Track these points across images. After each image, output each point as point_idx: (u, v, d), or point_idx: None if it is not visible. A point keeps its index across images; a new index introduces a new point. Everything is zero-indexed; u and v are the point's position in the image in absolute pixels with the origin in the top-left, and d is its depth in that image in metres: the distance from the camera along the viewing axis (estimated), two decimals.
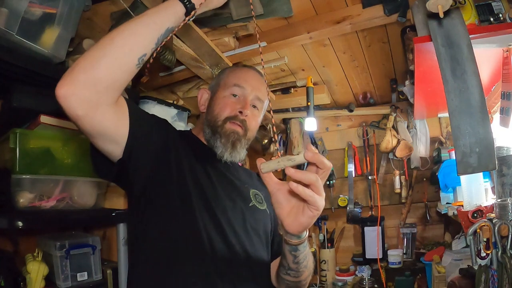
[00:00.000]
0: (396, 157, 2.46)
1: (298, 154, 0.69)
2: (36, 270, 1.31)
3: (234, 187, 1.08)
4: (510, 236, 1.05)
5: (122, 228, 1.60)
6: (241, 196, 1.07)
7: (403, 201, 2.50)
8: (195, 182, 0.98)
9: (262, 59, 0.98)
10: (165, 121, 1.07)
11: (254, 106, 1.14)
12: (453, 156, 1.47)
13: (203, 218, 0.93)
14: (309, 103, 2.20)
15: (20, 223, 1.18)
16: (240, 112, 1.08)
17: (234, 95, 1.11)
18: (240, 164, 1.25)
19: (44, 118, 1.25)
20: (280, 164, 0.70)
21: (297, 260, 0.89)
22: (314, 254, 2.59)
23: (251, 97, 1.12)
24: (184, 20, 0.91)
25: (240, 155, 1.08)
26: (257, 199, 1.11)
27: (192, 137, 1.15)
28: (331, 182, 2.67)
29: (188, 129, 1.24)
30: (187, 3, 0.89)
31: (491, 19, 1.20)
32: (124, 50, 0.79)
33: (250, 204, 1.08)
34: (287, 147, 2.89)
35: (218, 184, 1.03)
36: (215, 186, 1.02)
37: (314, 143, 2.77)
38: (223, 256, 0.92)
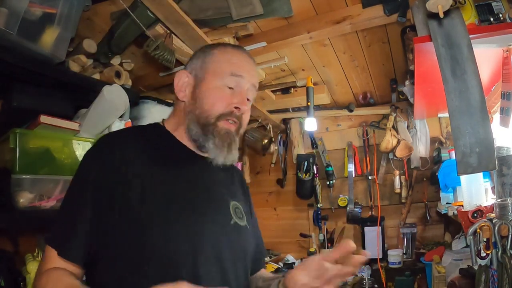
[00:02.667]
0: (396, 157, 2.46)
1: None
2: (36, 270, 1.31)
3: (211, 200, 0.91)
4: (510, 236, 1.05)
5: None
6: (220, 212, 0.91)
7: (403, 201, 2.50)
8: (160, 202, 0.81)
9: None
10: (95, 155, 0.87)
11: (247, 98, 0.97)
12: (453, 156, 1.48)
13: (173, 247, 0.79)
14: (309, 103, 2.20)
15: (20, 223, 1.18)
16: (237, 108, 0.92)
17: (230, 87, 0.93)
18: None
19: (44, 118, 1.25)
20: None
21: None
22: (314, 254, 2.60)
23: (247, 86, 0.95)
24: None
25: (234, 157, 0.94)
26: (237, 214, 0.94)
27: (160, 136, 0.95)
28: (331, 182, 2.67)
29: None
30: None
31: (491, 19, 1.20)
32: None
33: (232, 222, 0.91)
34: (287, 147, 2.89)
35: (191, 198, 0.87)
36: (188, 201, 0.85)
37: (314, 143, 2.77)
38: None
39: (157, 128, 0.98)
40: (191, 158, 0.93)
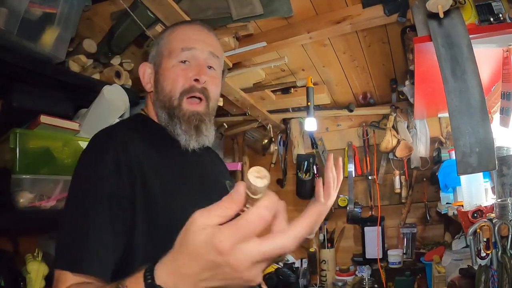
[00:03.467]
0: (396, 157, 2.46)
1: None
2: (36, 270, 1.31)
3: (210, 183, 0.91)
4: (510, 236, 1.05)
5: None
6: (221, 193, 0.91)
7: (403, 201, 2.50)
8: (168, 197, 0.79)
9: None
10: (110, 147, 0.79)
11: (210, 67, 0.93)
12: (453, 156, 1.48)
13: None
14: (309, 103, 2.20)
15: (20, 223, 1.18)
16: (196, 80, 0.89)
17: (184, 62, 0.90)
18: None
19: (44, 118, 1.25)
20: None
21: None
22: (314, 254, 2.60)
23: (204, 56, 0.92)
24: None
25: (208, 137, 0.91)
26: None
27: (146, 124, 0.94)
28: None
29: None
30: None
31: (491, 19, 1.20)
32: None
33: None
34: (287, 147, 2.89)
35: (194, 186, 0.86)
36: (191, 189, 0.84)
37: (314, 143, 2.77)
38: None
39: (146, 119, 0.96)
40: (178, 142, 0.91)
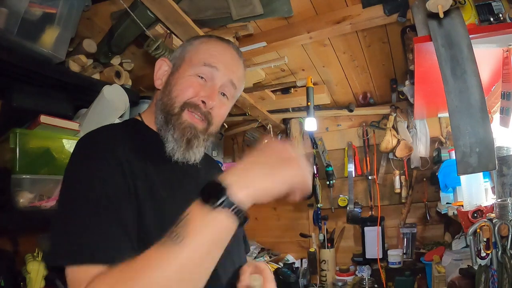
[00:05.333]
0: (396, 157, 2.46)
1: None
2: (36, 270, 1.31)
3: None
4: (510, 236, 1.05)
5: None
6: None
7: (403, 201, 2.50)
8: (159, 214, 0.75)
9: None
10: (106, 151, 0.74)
11: (224, 94, 0.90)
12: (453, 156, 1.47)
13: None
14: (309, 103, 2.20)
15: (20, 223, 1.18)
16: (204, 102, 0.85)
17: (201, 77, 0.86)
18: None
19: (44, 118, 1.25)
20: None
21: None
22: (314, 254, 2.60)
23: (223, 81, 0.88)
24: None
25: (195, 155, 0.86)
26: None
27: (138, 129, 0.89)
28: (331, 182, 2.67)
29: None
30: (239, 213, 0.58)
31: (491, 19, 1.21)
32: None
33: None
34: None
35: (186, 194, 0.79)
36: (185, 198, 0.79)
37: (314, 143, 2.77)
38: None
39: (138, 124, 0.91)
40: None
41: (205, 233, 0.56)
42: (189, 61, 0.88)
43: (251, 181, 0.61)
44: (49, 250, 0.65)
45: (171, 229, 0.57)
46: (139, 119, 0.92)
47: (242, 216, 0.59)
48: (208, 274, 0.59)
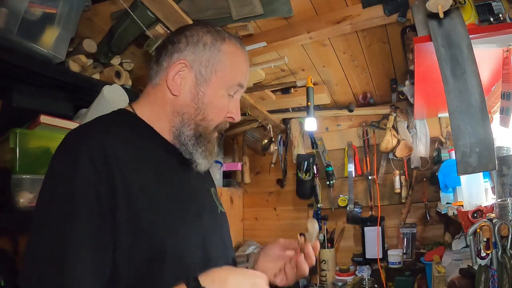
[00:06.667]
0: (396, 157, 2.46)
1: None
2: None
3: (204, 197, 0.90)
4: (510, 236, 1.05)
5: None
6: (212, 206, 0.91)
7: (403, 201, 2.50)
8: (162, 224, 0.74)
9: None
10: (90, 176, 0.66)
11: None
12: (453, 156, 1.47)
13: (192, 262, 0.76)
14: (309, 103, 2.20)
15: (20, 223, 1.18)
16: (231, 118, 0.87)
17: (232, 95, 0.86)
18: None
19: (44, 118, 1.25)
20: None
21: None
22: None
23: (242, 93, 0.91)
24: None
25: (212, 161, 0.89)
26: (218, 201, 0.95)
27: (133, 124, 0.83)
28: (331, 182, 2.67)
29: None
30: None
31: (491, 19, 1.20)
32: None
33: (219, 212, 0.92)
34: (287, 147, 2.89)
35: (184, 204, 0.81)
36: (185, 200, 0.82)
37: (314, 143, 2.77)
38: None
39: (131, 117, 0.84)
40: (172, 151, 0.84)
41: None
42: (222, 77, 0.83)
43: None
44: None
45: None
46: (130, 110, 0.85)
47: None
48: None
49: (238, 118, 0.88)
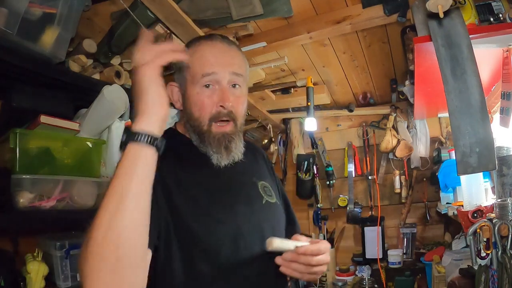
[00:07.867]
0: (396, 157, 2.46)
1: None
2: (36, 270, 1.31)
3: (240, 190, 0.96)
4: (510, 236, 1.05)
5: None
6: (252, 197, 0.97)
7: (403, 201, 2.50)
8: (202, 216, 0.86)
9: None
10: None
11: (234, 85, 0.94)
12: (453, 156, 1.47)
13: (224, 254, 0.85)
14: (309, 103, 2.20)
15: (20, 223, 1.18)
16: (222, 106, 0.91)
17: (207, 86, 0.91)
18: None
19: (44, 118, 1.25)
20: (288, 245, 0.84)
21: None
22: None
23: (227, 78, 0.92)
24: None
25: (238, 154, 0.95)
26: (267, 193, 1.00)
27: (179, 142, 0.98)
28: (331, 182, 2.67)
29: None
30: (154, 142, 0.70)
31: (491, 19, 1.21)
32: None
33: (264, 202, 0.97)
34: (287, 147, 2.89)
35: (223, 196, 0.92)
36: (224, 198, 0.92)
37: (314, 143, 2.77)
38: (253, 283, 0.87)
39: (178, 135, 1.00)
40: (202, 154, 0.95)
41: (122, 165, 0.67)
42: (191, 80, 0.93)
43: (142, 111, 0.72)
44: None
45: None
46: (178, 131, 1.02)
47: (147, 139, 0.68)
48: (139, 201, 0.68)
49: (227, 103, 0.91)
